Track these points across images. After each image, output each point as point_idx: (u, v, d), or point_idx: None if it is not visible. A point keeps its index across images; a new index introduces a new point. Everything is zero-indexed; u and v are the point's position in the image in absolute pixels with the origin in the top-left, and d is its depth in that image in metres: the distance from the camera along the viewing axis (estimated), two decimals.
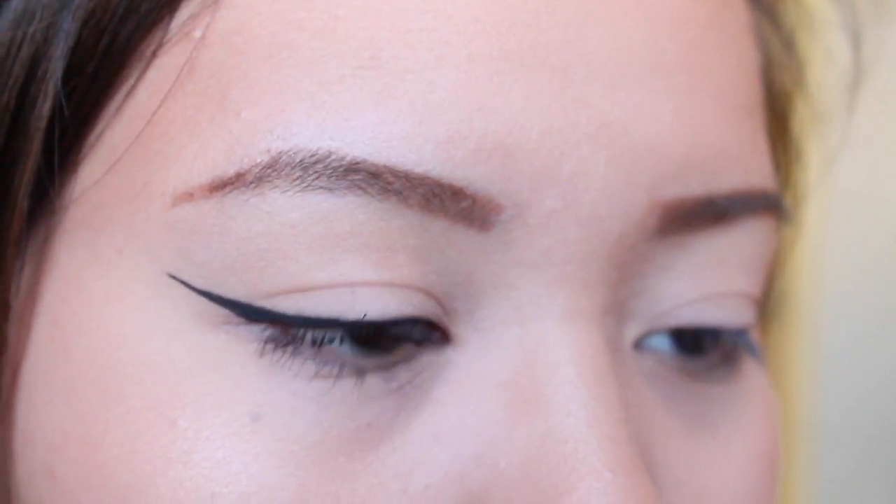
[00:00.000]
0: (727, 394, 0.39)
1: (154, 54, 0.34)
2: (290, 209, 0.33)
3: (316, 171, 0.33)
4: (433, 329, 0.35)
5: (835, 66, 0.48)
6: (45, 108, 0.34)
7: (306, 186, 0.33)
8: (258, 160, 0.33)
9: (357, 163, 0.33)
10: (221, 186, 0.33)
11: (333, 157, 0.33)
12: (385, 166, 0.33)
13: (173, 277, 0.34)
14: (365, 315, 0.33)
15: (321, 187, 0.33)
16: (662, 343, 0.38)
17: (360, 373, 0.34)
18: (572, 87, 0.34)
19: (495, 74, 0.33)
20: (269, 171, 0.33)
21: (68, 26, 0.34)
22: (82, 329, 0.35)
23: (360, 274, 0.33)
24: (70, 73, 0.34)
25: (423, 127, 0.33)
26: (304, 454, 0.33)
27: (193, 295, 0.34)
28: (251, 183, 0.33)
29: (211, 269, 0.34)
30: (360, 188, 0.33)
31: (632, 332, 0.37)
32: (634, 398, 0.36)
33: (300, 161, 0.33)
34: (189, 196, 0.34)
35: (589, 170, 0.34)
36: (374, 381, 0.34)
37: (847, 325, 1.21)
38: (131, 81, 0.34)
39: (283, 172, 0.33)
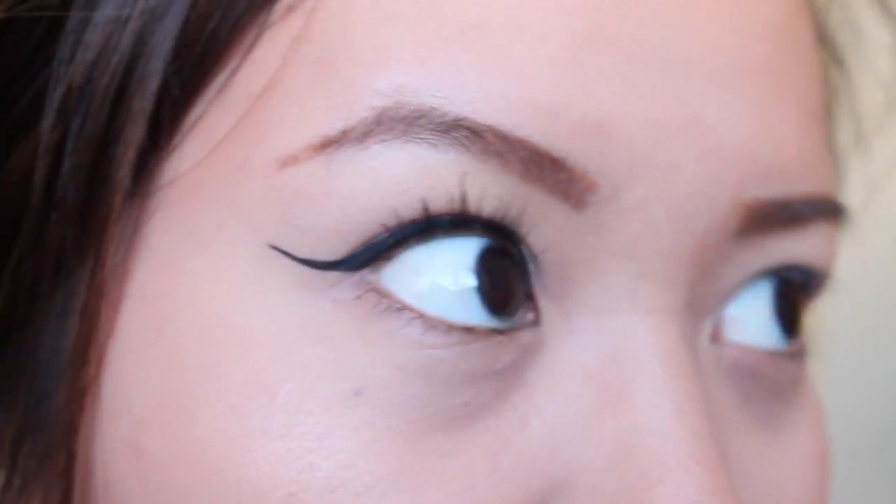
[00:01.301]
0: (793, 394, 0.40)
1: (259, 34, 0.34)
2: (394, 164, 0.33)
3: (420, 126, 0.33)
4: (529, 304, 0.35)
5: (882, 89, 0.48)
6: (151, 87, 0.34)
7: (410, 139, 0.33)
8: (363, 116, 0.33)
9: (460, 119, 0.33)
10: (327, 145, 0.33)
11: (437, 112, 0.33)
12: (486, 125, 0.33)
13: (275, 248, 0.34)
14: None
15: (424, 140, 0.33)
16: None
17: (463, 341, 0.34)
18: (669, 82, 0.34)
19: (598, 59, 0.34)
20: (374, 126, 0.33)
21: (178, 5, 0.34)
22: (178, 306, 0.34)
23: None
24: (177, 52, 0.34)
25: (525, 92, 0.33)
26: (402, 429, 0.33)
27: (296, 264, 0.34)
28: (356, 139, 0.33)
29: (314, 236, 0.33)
30: (463, 146, 0.33)
31: (707, 327, 0.37)
32: (710, 395, 0.36)
33: (403, 116, 0.33)
34: (294, 159, 0.33)
35: (681, 164, 0.34)
36: (478, 361, 0.34)
37: (847, 325, 1.21)
38: (236, 61, 0.34)
39: (387, 127, 0.33)
